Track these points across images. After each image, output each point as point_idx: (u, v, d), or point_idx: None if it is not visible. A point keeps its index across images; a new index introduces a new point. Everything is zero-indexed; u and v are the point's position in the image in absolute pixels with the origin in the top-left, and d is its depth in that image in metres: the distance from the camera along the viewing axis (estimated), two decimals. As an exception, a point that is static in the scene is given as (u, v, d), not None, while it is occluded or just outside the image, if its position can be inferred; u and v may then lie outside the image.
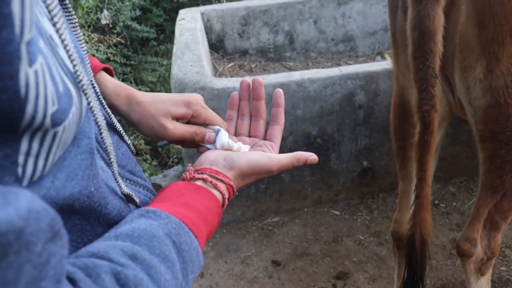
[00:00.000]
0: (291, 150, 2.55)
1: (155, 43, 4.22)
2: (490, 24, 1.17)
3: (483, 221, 1.57)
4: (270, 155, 0.76)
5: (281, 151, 2.50)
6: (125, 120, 0.81)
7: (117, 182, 0.60)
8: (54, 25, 0.47)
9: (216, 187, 0.67)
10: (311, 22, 3.19)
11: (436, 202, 2.66)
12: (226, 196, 0.69)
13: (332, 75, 2.42)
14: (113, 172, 0.60)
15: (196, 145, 0.84)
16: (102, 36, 3.70)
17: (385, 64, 2.46)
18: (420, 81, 1.21)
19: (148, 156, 3.89)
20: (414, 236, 1.46)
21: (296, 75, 2.43)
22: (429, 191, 1.42)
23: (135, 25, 3.89)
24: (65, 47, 0.48)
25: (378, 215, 2.62)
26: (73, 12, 0.57)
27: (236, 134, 0.87)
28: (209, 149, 0.81)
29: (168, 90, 4.35)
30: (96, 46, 3.51)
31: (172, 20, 4.49)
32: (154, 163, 3.48)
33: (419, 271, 1.50)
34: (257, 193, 2.64)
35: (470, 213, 1.61)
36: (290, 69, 3.20)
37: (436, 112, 1.25)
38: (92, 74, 0.67)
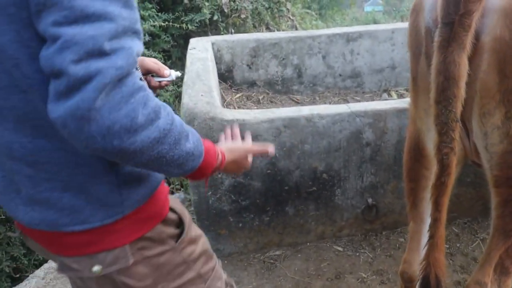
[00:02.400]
0: (297, 184, 2.56)
1: (162, 69, 4.24)
2: (511, 73, 1.20)
3: (493, 265, 1.57)
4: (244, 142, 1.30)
5: (287, 183, 2.50)
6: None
7: None
8: None
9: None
10: (319, 57, 3.24)
11: (439, 242, 2.65)
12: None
13: (341, 112, 2.44)
14: None
15: (158, 87, 1.40)
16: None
17: (394, 103, 2.49)
18: (441, 125, 1.23)
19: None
20: (429, 277, 1.46)
21: (306, 110, 2.45)
22: (443, 232, 1.43)
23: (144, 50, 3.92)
24: None
25: (381, 253, 2.61)
26: None
27: None
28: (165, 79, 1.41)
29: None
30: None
31: (179, 46, 4.56)
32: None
33: None
34: (261, 225, 2.62)
35: (480, 256, 1.61)
36: (297, 102, 3.23)
37: (455, 155, 1.27)
38: None
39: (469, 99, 1.27)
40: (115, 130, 0.80)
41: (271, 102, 3.21)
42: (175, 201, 1.18)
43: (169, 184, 3.65)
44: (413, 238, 1.64)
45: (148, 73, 1.36)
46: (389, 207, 2.69)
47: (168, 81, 1.40)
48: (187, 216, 1.20)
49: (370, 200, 2.63)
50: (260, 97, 3.22)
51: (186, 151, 0.97)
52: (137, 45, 0.86)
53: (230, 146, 1.24)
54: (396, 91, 3.24)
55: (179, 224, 1.16)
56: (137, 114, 0.82)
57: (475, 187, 2.72)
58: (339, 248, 2.67)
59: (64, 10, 0.76)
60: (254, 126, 2.36)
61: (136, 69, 0.86)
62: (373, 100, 3.08)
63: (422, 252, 1.68)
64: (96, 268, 1.02)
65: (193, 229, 1.22)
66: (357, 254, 2.62)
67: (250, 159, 1.29)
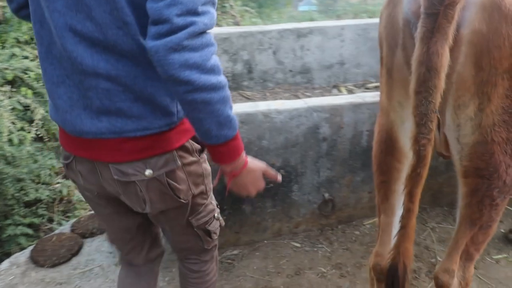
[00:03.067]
0: (254, 180, 2.51)
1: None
2: (487, 66, 1.22)
3: (460, 253, 1.61)
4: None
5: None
6: None
7: None
8: None
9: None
10: (270, 53, 3.21)
11: (393, 234, 2.71)
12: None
13: (298, 107, 2.42)
14: None
15: None
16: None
17: (350, 98, 2.51)
18: (420, 116, 1.23)
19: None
20: (397, 266, 1.47)
21: (263, 106, 2.41)
22: (415, 223, 1.44)
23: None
24: None
25: (338, 247, 2.62)
26: None
27: None
28: None
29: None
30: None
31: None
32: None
33: None
34: (217, 225, 2.54)
35: (449, 244, 1.64)
36: (248, 98, 3.18)
37: (431, 147, 1.28)
38: None
39: (444, 91, 1.29)
40: (189, 63, 1.07)
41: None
42: None
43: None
44: (384, 231, 1.64)
45: None
46: (344, 201, 2.72)
47: None
48: None
49: (326, 195, 2.64)
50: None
51: (228, 114, 1.18)
52: (215, 13, 1.14)
53: (251, 159, 1.39)
54: (345, 87, 3.28)
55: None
56: (209, 59, 1.10)
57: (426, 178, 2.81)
58: (297, 244, 2.65)
59: None
60: (210, 122, 2.28)
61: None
62: (323, 96, 3.10)
63: (394, 242, 1.70)
64: (148, 171, 1.27)
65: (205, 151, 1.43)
66: (315, 249, 2.61)
67: (263, 183, 1.44)
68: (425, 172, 1.32)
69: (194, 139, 1.36)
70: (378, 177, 1.59)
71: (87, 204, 3.23)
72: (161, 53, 1.06)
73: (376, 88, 3.34)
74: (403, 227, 1.40)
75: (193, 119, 1.19)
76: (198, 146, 1.38)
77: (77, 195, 3.34)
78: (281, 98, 3.22)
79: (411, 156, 1.51)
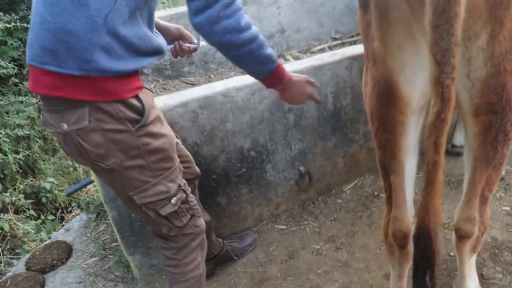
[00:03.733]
0: (224, 169, 2.29)
1: (16, 80, 3.59)
2: None
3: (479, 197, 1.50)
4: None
5: (214, 171, 2.28)
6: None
7: None
8: None
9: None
10: (207, 32, 2.96)
11: (376, 193, 2.61)
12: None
13: (257, 80, 2.21)
14: None
15: (187, 51, 1.84)
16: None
17: (307, 61, 2.35)
18: (441, 52, 1.04)
19: (32, 212, 3.27)
20: (429, 227, 1.32)
21: (220, 86, 2.18)
22: (442, 177, 1.29)
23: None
24: None
25: (325, 220, 2.48)
26: None
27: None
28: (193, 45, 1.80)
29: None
30: None
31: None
32: (50, 217, 2.90)
33: (433, 261, 1.37)
34: (194, 225, 2.31)
35: (464, 191, 1.52)
36: (193, 84, 2.94)
37: (455, 87, 1.12)
38: None
39: None
40: (228, 29, 1.33)
41: (164, 89, 2.87)
42: (148, 96, 1.45)
43: (65, 210, 3.11)
44: (398, 192, 1.49)
45: (178, 39, 1.82)
46: (320, 171, 2.57)
47: (195, 48, 1.82)
48: (153, 113, 1.46)
49: (302, 168, 2.48)
50: (151, 86, 2.84)
51: (266, 53, 1.48)
52: None
53: (296, 75, 1.73)
54: (291, 54, 3.12)
55: (142, 114, 1.41)
56: (240, 21, 1.35)
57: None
58: (282, 227, 2.48)
59: None
60: (166, 114, 2.03)
61: None
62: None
63: (410, 204, 1.56)
64: (64, 126, 1.34)
65: (158, 127, 1.48)
66: (302, 227, 2.45)
67: (309, 90, 1.79)
68: (450, 117, 1.14)
69: (130, 108, 1.38)
70: (382, 135, 1.42)
71: (38, 235, 2.86)
72: (206, 27, 1.32)
73: (320, 51, 3.22)
74: (431, 182, 1.23)
75: (241, 67, 1.54)
76: (131, 115, 1.38)
77: (21, 227, 2.94)
78: (227, 78, 2.99)
79: (414, 104, 1.37)
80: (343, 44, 3.20)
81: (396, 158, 1.45)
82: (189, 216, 1.62)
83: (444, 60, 1.06)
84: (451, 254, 2.10)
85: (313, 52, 3.10)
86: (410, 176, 1.50)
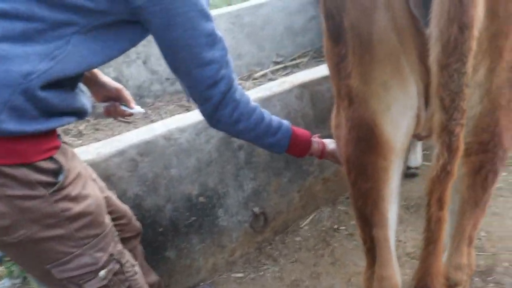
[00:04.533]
0: (171, 220, 2.03)
1: None
2: (502, 12, 0.94)
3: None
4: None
5: (160, 223, 2.03)
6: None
7: None
8: None
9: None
10: (140, 63, 2.69)
11: (335, 227, 2.46)
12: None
13: (202, 119, 1.99)
14: None
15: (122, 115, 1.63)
16: None
17: (255, 92, 2.16)
18: (451, 96, 0.90)
19: None
20: None
21: (161, 127, 1.94)
22: (444, 235, 1.13)
23: None
24: None
25: (285, 262, 2.28)
26: None
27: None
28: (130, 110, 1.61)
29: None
30: None
31: None
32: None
33: None
34: (141, 286, 2.02)
35: (451, 237, 1.38)
36: (128, 123, 2.65)
37: (463, 134, 0.96)
38: None
39: None
40: (223, 121, 1.42)
41: (97, 129, 2.57)
42: (66, 154, 1.21)
43: None
44: (383, 248, 1.32)
45: (117, 100, 1.61)
46: (276, 209, 2.38)
47: (131, 113, 1.62)
48: (72, 172, 1.21)
49: (256, 209, 2.28)
50: (81, 128, 2.54)
51: (269, 142, 1.51)
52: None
53: (329, 140, 1.66)
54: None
55: (58, 175, 1.17)
56: (233, 113, 1.40)
57: (346, 159, 2.60)
58: (240, 275, 2.25)
59: None
60: (101, 165, 1.76)
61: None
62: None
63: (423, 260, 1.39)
64: None
65: (79, 188, 1.23)
66: (261, 273, 2.24)
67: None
68: (455, 169, 0.98)
69: (42, 171, 1.13)
70: (362, 184, 1.25)
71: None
72: (203, 114, 1.42)
73: (263, 76, 3.05)
74: (433, 241, 1.07)
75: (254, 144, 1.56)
76: (43, 179, 1.14)
77: None
78: (165, 113, 2.75)
79: (398, 147, 1.20)
80: (285, 68, 3.05)
81: (379, 209, 1.28)
82: None
83: (454, 105, 0.91)
84: None
85: (256, 78, 2.93)
86: (393, 227, 1.34)
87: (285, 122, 1.55)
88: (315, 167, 2.45)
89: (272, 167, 2.27)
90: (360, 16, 1.00)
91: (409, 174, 2.71)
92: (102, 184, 1.55)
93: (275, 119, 1.52)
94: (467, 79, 0.87)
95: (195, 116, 2.01)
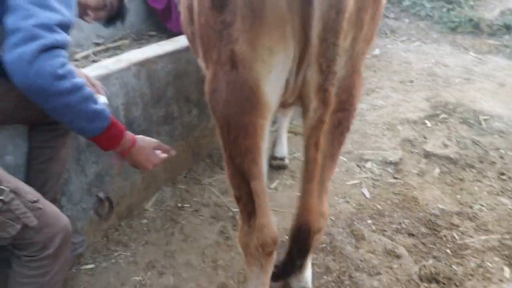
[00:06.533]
0: None
1: None
2: None
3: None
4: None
5: None
6: None
7: None
8: None
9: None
10: None
11: (179, 205, 2.48)
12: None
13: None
14: None
15: None
16: None
17: (93, 69, 2.02)
18: (326, 62, 1.12)
19: None
20: (310, 226, 1.33)
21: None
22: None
23: None
24: None
25: (136, 246, 2.22)
26: None
27: None
28: None
29: None
30: None
31: None
32: None
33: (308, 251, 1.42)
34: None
35: (307, 188, 1.55)
36: None
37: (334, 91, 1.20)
38: None
39: None
40: (42, 73, 1.21)
41: None
42: None
43: None
44: (262, 198, 1.39)
45: None
46: (119, 193, 2.29)
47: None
48: None
49: (101, 194, 2.15)
50: None
51: (93, 108, 1.34)
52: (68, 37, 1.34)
53: (141, 137, 1.57)
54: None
55: None
56: (59, 67, 1.24)
57: (183, 138, 2.64)
58: (90, 266, 2.10)
59: None
60: None
61: None
62: None
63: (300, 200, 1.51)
64: None
65: None
66: (114, 260, 2.13)
67: (159, 157, 1.61)
68: (327, 119, 1.21)
69: None
70: (243, 142, 1.32)
71: None
72: (17, 65, 1.18)
73: (84, 58, 2.85)
74: (310, 180, 1.23)
75: (65, 122, 1.36)
76: None
77: None
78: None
79: (274, 107, 1.32)
80: (107, 50, 2.91)
81: (257, 163, 1.38)
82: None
83: (329, 69, 1.13)
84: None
85: (77, 60, 2.73)
86: (266, 179, 1.45)
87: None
88: (155, 147, 2.43)
89: (115, 149, 2.16)
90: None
91: (275, 165, 2.78)
92: None
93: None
94: (339, 49, 1.12)
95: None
